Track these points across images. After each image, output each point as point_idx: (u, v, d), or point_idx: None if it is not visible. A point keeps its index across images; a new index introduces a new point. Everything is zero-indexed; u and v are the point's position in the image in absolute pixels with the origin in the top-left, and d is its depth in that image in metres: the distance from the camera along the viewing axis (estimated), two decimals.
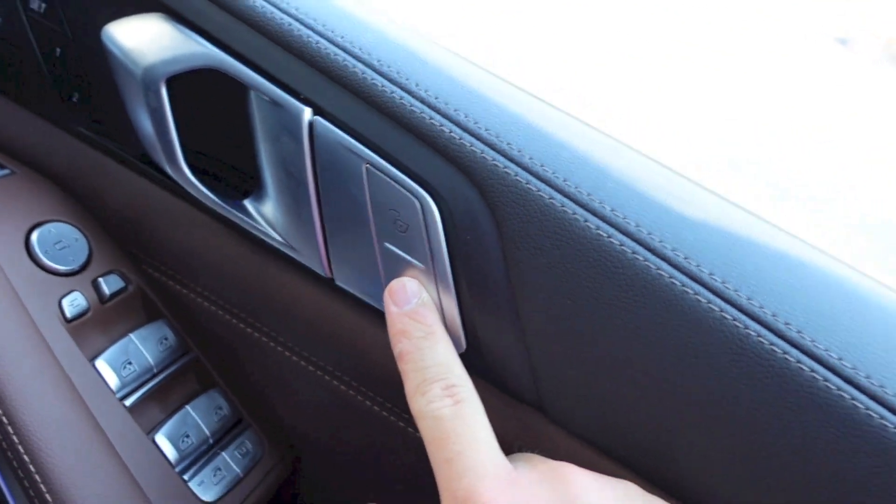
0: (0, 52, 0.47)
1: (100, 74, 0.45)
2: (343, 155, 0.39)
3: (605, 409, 0.38)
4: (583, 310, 0.36)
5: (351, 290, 0.42)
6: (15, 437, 0.40)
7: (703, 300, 0.34)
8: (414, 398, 0.35)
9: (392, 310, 0.38)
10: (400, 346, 0.36)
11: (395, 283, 0.38)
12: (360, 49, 0.39)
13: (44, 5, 0.45)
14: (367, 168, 0.38)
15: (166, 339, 0.49)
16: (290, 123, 0.39)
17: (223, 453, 0.48)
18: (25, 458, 0.40)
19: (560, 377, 0.38)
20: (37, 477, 0.40)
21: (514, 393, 0.40)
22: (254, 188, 0.44)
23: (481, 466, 0.33)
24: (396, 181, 0.38)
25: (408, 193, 0.38)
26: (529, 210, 0.36)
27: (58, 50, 0.46)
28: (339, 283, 0.42)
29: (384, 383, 0.46)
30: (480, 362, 0.40)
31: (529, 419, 0.41)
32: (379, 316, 0.41)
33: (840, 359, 0.32)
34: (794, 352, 0.33)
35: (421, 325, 0.37)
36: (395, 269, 0.39)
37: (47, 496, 0.40)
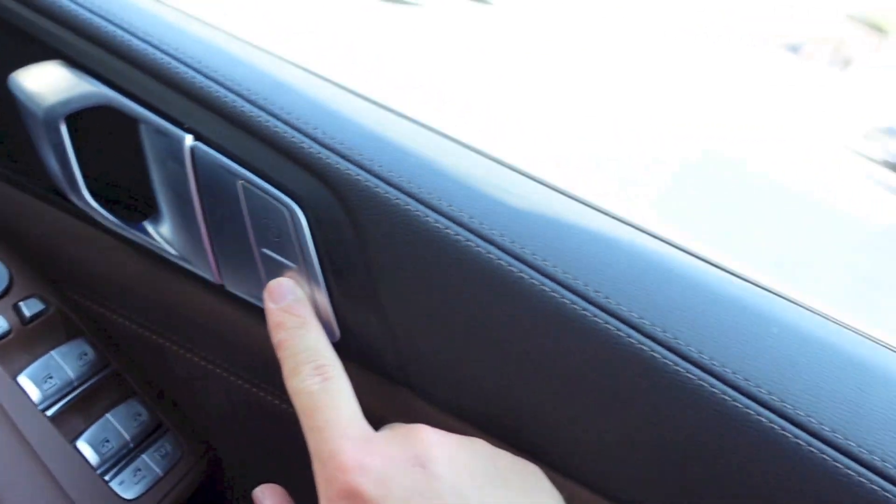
0: None
1: (9, 117, 0.50)
2: (221, 175, 0.44)
3: (461, 381, 0.43)
4: (434, 294, 0.42)
5: (239, 294, 0.47)
6: None
7: (525, 276, 0.39)
8: (289, 379, 0.40)
9: (270, 306, 0.43)
10: (277, 336, 0.42)
11: (272, 283, 0.43)
12: (232, 81, 0.45)
13: None
14: (241, 184, 0.44)
15: (86, 354, 0.54)
16: (174, 150, 0.45)
17: (143, 455, 0.53)
18: None
19: (421, 357, 0.44)
20: None
21: (384, 373, 0.45)
22: (151, 211, 0.49)
23: (344, 431, 0.38)
24: (267, 194, 0.43)
25: (278, 204, 0.43)
26: (380, 211, 0.42)
27: None
28: (228, 288, 0.47)
29: (279, 377, 0.51)
30: (354, 348, 0.45)
31: (400, 396, 0.46)
32: (259, 314, 0.46)
33: (640, 317, 0.38)
34: (602, 314, 0.38)
35: (295, 317, 0.42)
36: (274, 271, 0.45)
37: None
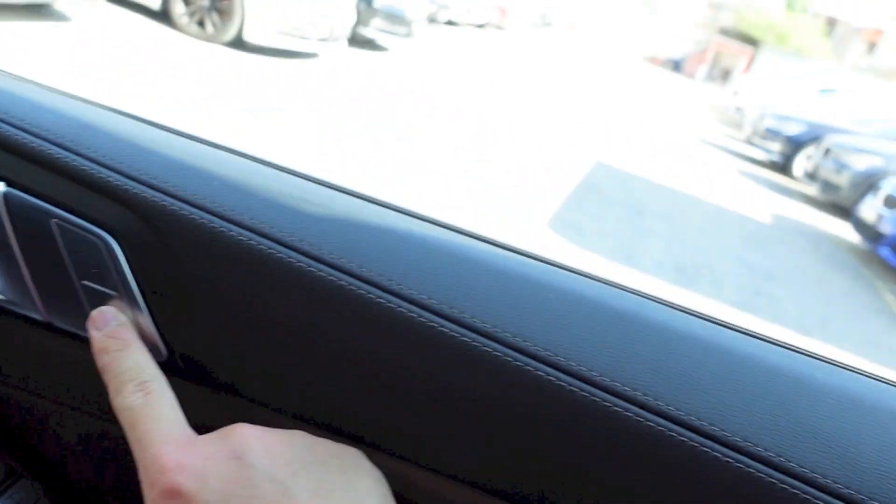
0: None
1: None
2: (35, 216, 0.46)
3: (286, 385, 0.46)
4: (248, 304, 0.45)
5: (67, 328, 0.49)
6: None
7: (325, 275, 0.43)
8: (113, 399, 0.42)
9: (93, 334, 0.45)
10: (102, 361, 0.44)
11: (94, 312, 0.46)
12: (39, 127, 0.48)
13: None
14: (56, 223, 0.46)
15: None
16: None
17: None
18: None
19: (246, 366, 0.47)
20: None
21: (214, 385, 0.48)
22: None
23: (165, 436, 0.40)
24: (81, 228, 0.46)
25: (91, 237, 0.46)
26: (188, 231, 0.45)
27: None
28: (56, 324, 0.49)
29: None
30: (182, 365, 0.48)
31: (233, 405, 0.49)
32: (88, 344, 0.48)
33: (429, 298, 0.43)
34: (397, 300, 0.43)
35: (117, 340, 0.44)
36: (97, 301, 0.47)
37: None
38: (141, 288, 0.46)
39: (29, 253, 0.48)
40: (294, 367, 0.45)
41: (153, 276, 0.46)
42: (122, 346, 0.44)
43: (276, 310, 0.44)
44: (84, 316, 0.48)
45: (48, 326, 0.50)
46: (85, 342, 0.50)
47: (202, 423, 0.42)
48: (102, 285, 0.47)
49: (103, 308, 0.46)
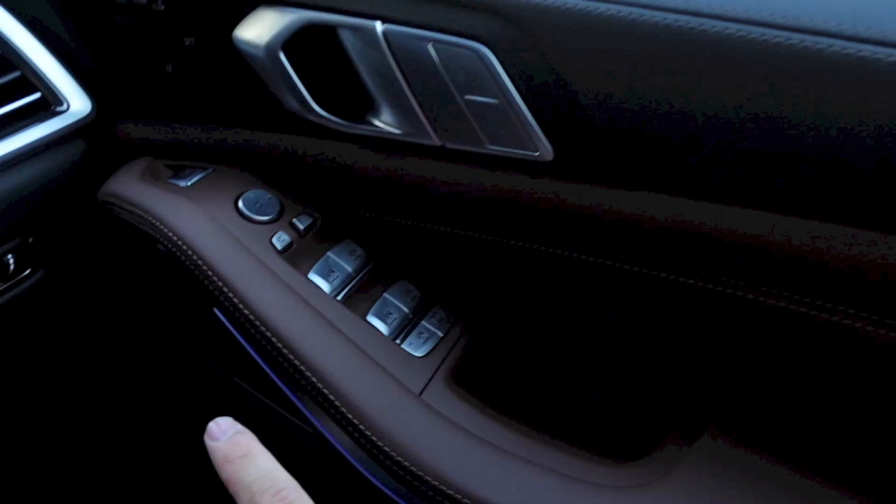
0: (174, 87, 0.64)
1: (243, 73, 0.59)
2: (413, 45, 0.50)
3: None
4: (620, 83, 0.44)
5: (459, 147, 0.53)
6: (269, 334, 0.55)
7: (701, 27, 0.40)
8: None
9: (211, 444, 0.39)
10: (224, 471, 0.37)
11: (211, 424, 0.40)
12: None
13: (192, 40, 0.62)
14: (432, 45, 0.49)
15: (355, 251, 0.63)
16: (370, 40, 0.51)
17: (423, 322, 0.61)
18: (279, 346, 0.55)
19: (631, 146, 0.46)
20: (292, 358, 0.55)
21: (597, 179, 0.49)
22: (369, 107, 0.56)
23: None
24: (455, 45, 0.48)
25: (467, 51, 0.48)
26: (555, 27, 0.45)
27: (212, 67, 0.62)
28: (448, 146, 0.53)
29: (501, 215, 0.55)
30: (567, 165, 0.49)
31: None
32: (483, 160, 0.52)
33: None
34: None
35: (240, 447, 0.38)
36: (480, 112, 0.50)
37: (307, 373, 0.55)
38: (521, 93, 0.48)
39: (413, 82, 0.51)
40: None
41: (530, 79, 0.47)
42: (246, 453, 0.38)
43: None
44: (472, 131, 0.51)
45: (441, 150, 0.54)
46: (473, 158, 0.53)
47: None
48: (484, 96, 0.49)
49: (219, 419, 0.40)
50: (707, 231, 0.48)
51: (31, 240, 0.68)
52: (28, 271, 0.69)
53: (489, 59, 0.47)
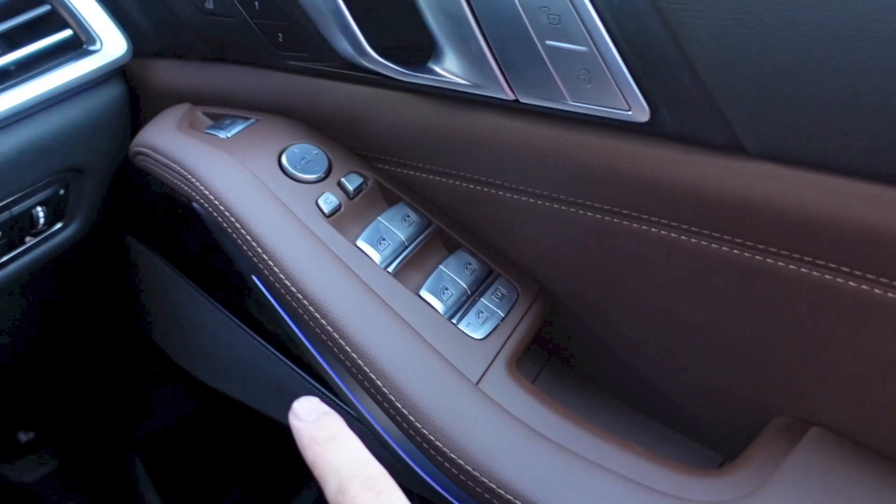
0: (215, 26, 0.58)
1: (291, 10, 0.53)
2: None
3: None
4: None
5: (535, 103, 0.45)
6: (311, 308, 0.49)
7: None
8: (333, 498, 0.34)
9: (296, 423, 0.37)
10: (311, 453, 0.35)
11: (296, 403, 0.37)
12: None
13: None
14: None
15: (408, 216, 0.56)
16: None
17: (482, 299, 0.54)
18: (323, 322, 0.49)
19: (745, 107, 0.38)
20: (336, 336, 0.49)
21: (705, 140, 0.41)
22: (432, 51, 0.49)
23: None
24: None
25: None
26: None
27: (256, 4, 0.55)
28: (523, 100, 0.45)
29: (589, 184, 0.48)
30: (668, 123, 0.41)
31: None
32: (563, 120, 0.44)
33: None
34: None
35: (326, 428, 0.36)
36: (563, 62, 0.42)
37: (352, 354, 0.49)
38: (615, 40, 0.40)
39: (485, 23, 0.44)
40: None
41: (627, 22, 0.39)
42: (334, 436, 0.36)
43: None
44: (554, 85, 0.43)
45: (513, 106, 0.47)
46: (549, 119, 0.45)
47: None
48: (568, 42, 0.41)
49: (305, 399, 0.38)
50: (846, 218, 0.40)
51: (62, 192, 0.63)
52: (59, 225, 0.65)
53: None
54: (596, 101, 0.42)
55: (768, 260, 0.43)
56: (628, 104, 0.41)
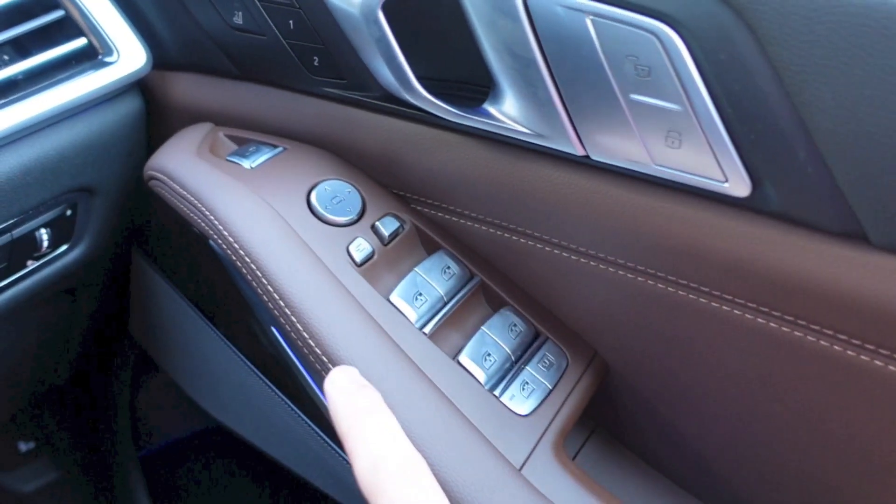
0: (244, 43, 0.52)
1: (330, 33, 0.47)
2: (563, 15, 0.36)
3: None
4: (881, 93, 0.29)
5: (608, 162, 0.39)
6: None
7: None
8: (364, 475, 0.32)
9: (332, 392, 0.35)
10: (345, 424, 0.33)
11: (334, 371, 0.35)
12: None
13: None
14: (591, 20, 0.35)
15: (449, 268, 0.50)
16: (503, 4, 0.37)
17: (527, 367, 0.48)
18: None
19: (874, 191, 0.31)
20: None
21: (817, 223, 0.34)
22: (489, 91, 0.43)
23: None
24: (626, 22, 0.34)
25: (642, 31, 0.33)
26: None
27: (291, 23, 0.49)
28: (595, 157, 0.39)
29: (667, 255, 0.42)
30: (773, 200, 0.34)
31: None
32: (641, 184, 0.38)
33: None
34: None
35: (363, 400, 0.34)
36: (649, 120, 0.35)
37: None
38: (716, 99, 0.33)
39: (557, 67, 0.37)
40: None
41: (735, 82, 0.32)
42: (371, 410, 0.34)
43: None
44: (634, 143, 0.37)
45: (582, 162, 0.40)
46: (628, 180, 0.39)
47: None
48: (657, 97, 0.35)
49: (343, 367, 0.36)
50: None
51: (69, 212, 0.58)
52: (65, 247, 0.59)
53: (675, 48, 0.33)
54: (685, 167, 0.36)
55: (876, 362, 0.37)
56: (725, 175, 0.35)
